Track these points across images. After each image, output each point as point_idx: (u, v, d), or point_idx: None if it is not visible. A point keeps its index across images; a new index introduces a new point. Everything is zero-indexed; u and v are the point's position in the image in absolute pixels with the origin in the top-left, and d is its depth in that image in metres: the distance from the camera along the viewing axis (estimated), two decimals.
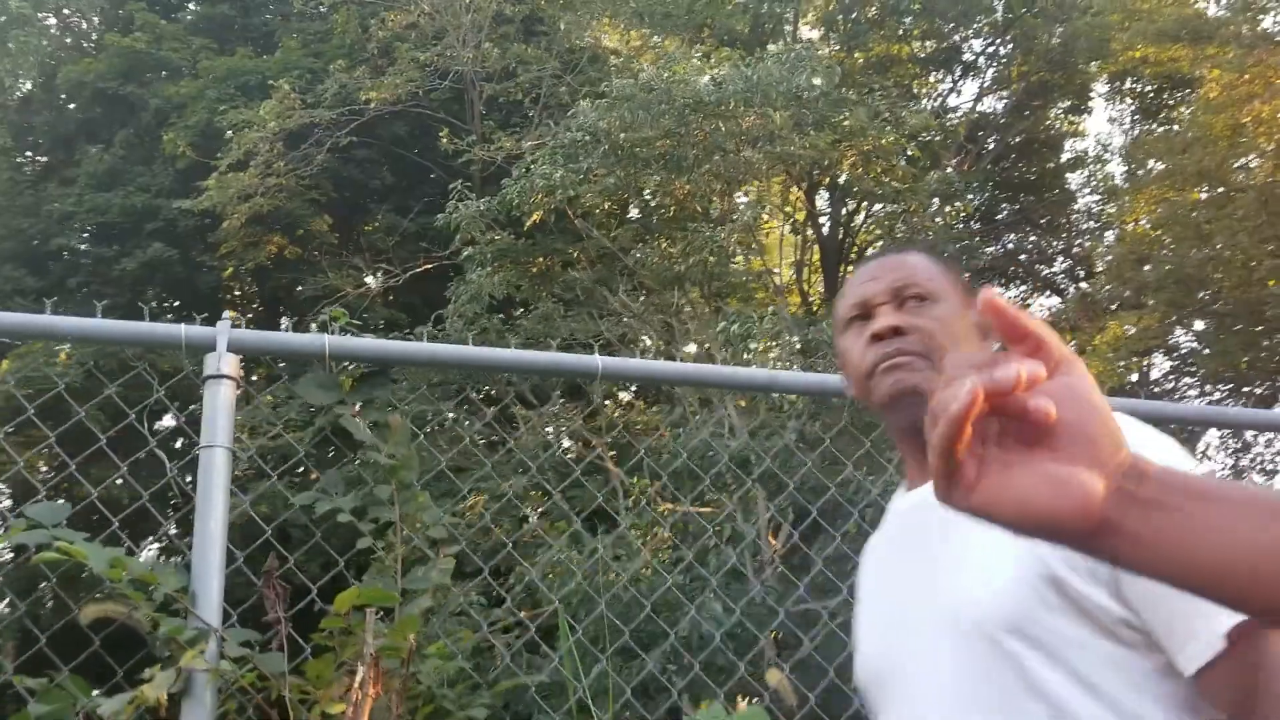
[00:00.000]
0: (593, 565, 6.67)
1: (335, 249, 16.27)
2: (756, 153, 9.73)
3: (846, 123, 10.12)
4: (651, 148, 9.79)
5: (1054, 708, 1.06)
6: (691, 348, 10.06)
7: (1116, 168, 19.15)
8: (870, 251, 14.39)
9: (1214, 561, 0.72)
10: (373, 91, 14.20)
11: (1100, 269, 17.00)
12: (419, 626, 2.07)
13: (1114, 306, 15.27)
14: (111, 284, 14.50)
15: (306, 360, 2.34)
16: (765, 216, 13.49)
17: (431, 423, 9.88)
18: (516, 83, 13.96)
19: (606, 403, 11.40)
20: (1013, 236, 19.19)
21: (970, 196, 13.05)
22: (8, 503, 10.82)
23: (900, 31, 17.81)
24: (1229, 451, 15.43)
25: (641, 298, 11.25)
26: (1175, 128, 15.89)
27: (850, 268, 17.87)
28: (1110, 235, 18.19)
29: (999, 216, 18.38)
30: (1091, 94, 19.24)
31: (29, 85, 18.23)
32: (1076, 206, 19.46)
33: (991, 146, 18.27)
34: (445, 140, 13.10)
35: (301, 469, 9.49)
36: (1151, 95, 18.46)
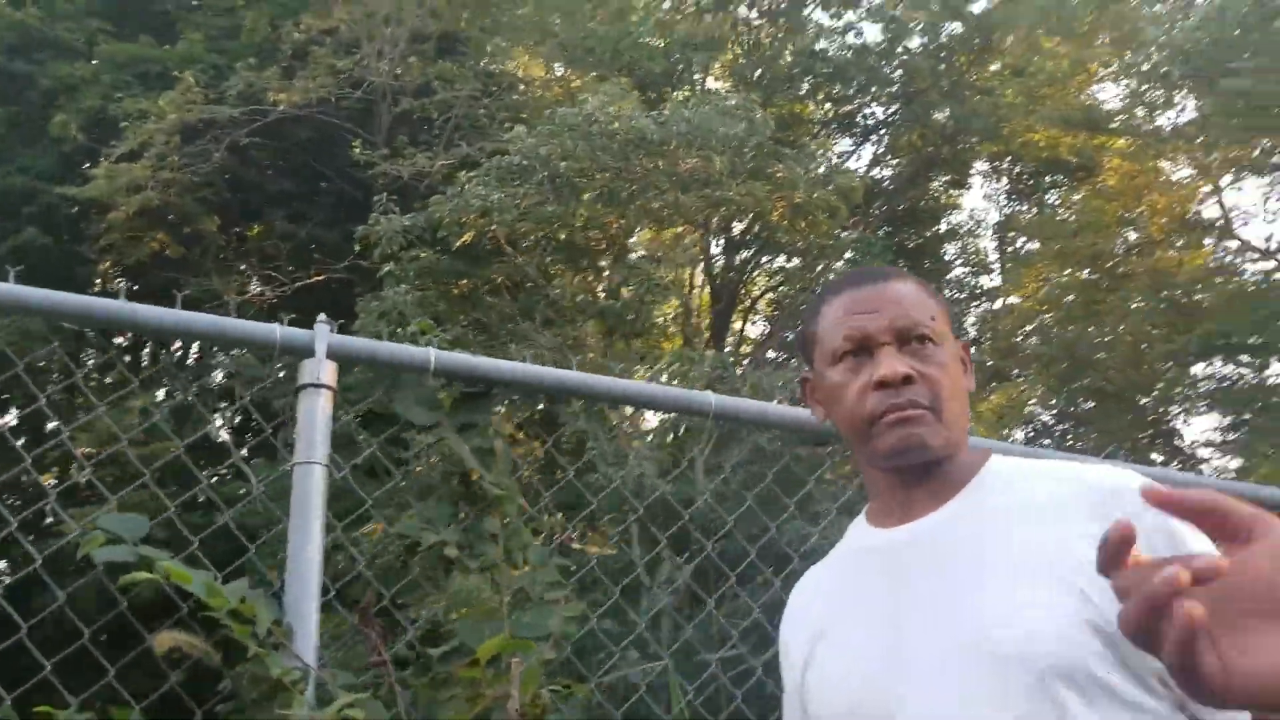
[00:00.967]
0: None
1: (222, 251, 15.63)
2: (692, 195, 9.73)
3: (780, 174, 10.23)
4: (591, 180, 9.68)
5: None
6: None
7: (988, 242, 20.04)
8: (832, 276, 14.28)
9: None
10: (282, 94, 13.73)
11: (979, 340, 17.57)
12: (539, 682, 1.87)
13: (990, 383, 15.79)
14: None
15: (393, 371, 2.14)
16: (676, 260, 13.53)
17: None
18: (433, 100, 13.69)
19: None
20: None
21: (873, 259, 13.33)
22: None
23: (804, 90, 18.17)
24: None
25: (549, 332, 11.08)
26: (1064, 211, 16.57)
27: (752, 315, 18.13)
28: (985, 307, 18.94)
29: None
30: (972, 170, 20.02)
31: None
32: (948, 277, 20.16)
33: (879, 212, 18.80)
34: (357, 150, 12.74)
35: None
36: (1027, 177, 19.32)
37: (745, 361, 15.46)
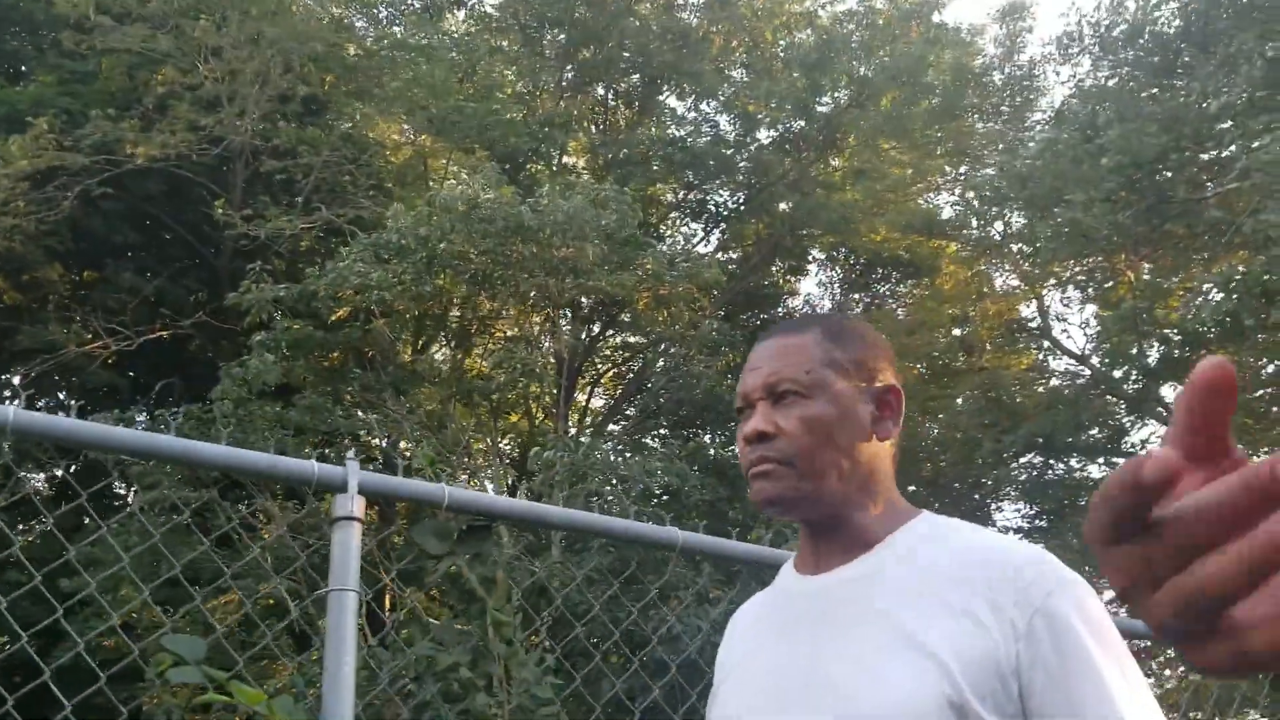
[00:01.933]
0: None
1: (64, 301, 15.13)
2: (563, 282, 10.05)
3: (649, 265, 10.65)
4: (468, 262, 9.90)
5: None
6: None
7: None
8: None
9: None
10: (139, 146, 13.49)
11: None
12: None
13: None
14: None
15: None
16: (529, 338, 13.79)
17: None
18: (297, 163, 13.67)
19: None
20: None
21: (725, 349, 13.84)
22: None
23: (655, 170, 18.75)
24: None
25: (411, 407, 11.18)
26: (895, 305, 17.55)
27: (592, 389, 18.50)
28: None
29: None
30: (810, 258, 20.97)
31: None
32: None
33: (720, 295, 19.48)
34: (220, 209, 12.60)
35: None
36: (862, 269, 20.34)
37: (588, 432, 15.76)
